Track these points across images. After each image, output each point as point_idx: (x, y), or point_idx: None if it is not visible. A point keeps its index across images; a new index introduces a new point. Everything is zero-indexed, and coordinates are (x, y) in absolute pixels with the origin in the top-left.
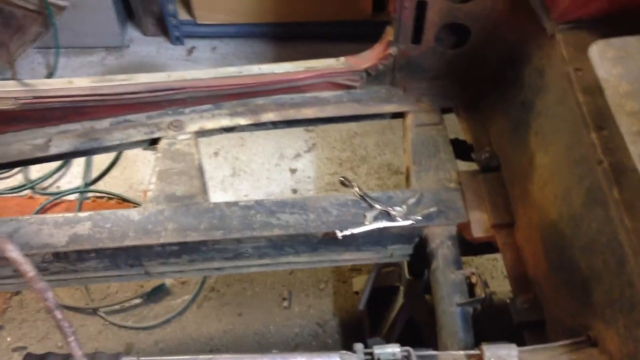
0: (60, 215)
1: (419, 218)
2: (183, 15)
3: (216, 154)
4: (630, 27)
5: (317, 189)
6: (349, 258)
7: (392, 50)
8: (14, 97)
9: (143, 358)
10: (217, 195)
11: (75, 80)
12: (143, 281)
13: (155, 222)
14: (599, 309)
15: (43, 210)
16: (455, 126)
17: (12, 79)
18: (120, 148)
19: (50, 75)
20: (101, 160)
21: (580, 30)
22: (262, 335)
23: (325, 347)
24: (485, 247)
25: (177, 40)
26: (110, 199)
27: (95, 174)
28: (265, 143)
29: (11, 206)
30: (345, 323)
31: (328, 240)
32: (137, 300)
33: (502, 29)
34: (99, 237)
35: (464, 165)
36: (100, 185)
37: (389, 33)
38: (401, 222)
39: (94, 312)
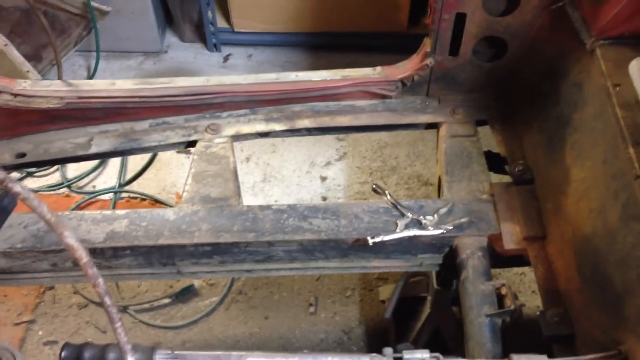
0: (99, 212)
1: (450, 228)
2: (221, 23)
3: (248, 159)
4: None
5: (347, 197)
6: (378, 265)
7: (429, 61)
8: (60, 97)
9: (177, 352)
10: (247, 200)
11: (117, 82)
12: (172, 281)
13: (190, 222)
14: (631, 323)
15: (78, 208)
16: (489, 138)
17: (58, 79)
18: (158, 149)
19: (90, 77)
20: (136, 162)
21: (619, 46)
22: (287, 339)
23: None
24: (516, 259)
25: (214, 47)
26: (143, 199)
27: (129, 175)
28: (296, 150)
29: (49, 203)
30: (370, 331)
31: (358, 247)
32: (166, 300)
33: (540, 43)
34: (135, 234)
35: (496, 178)
36: (134, 186)
37: (427, 44)
38: (432, 231)
39: (124, 309)
